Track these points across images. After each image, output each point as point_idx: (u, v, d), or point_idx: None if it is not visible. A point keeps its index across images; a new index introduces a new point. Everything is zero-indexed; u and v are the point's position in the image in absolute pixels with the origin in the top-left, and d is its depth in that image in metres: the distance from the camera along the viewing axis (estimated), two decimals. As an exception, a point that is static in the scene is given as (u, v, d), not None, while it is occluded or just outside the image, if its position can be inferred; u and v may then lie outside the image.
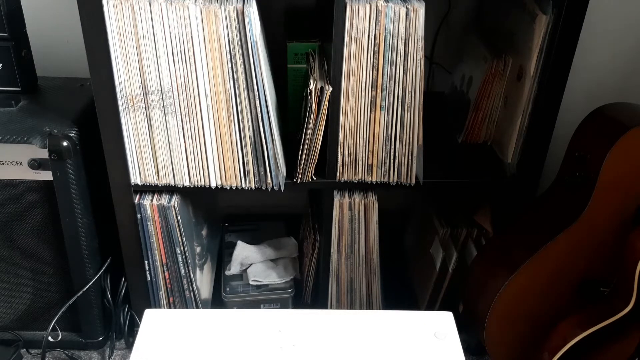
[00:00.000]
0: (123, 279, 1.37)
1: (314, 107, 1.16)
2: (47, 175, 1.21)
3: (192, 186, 1.23)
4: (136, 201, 1.24)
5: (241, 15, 1.06)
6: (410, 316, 0.95)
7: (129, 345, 1.44)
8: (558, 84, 1.18)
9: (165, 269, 1.32)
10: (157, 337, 0.90)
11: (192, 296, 1.36)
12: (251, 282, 1.46)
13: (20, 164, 1.21)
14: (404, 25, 1.10)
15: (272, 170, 1.21)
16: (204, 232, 1.51)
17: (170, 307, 1.37)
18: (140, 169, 1.21)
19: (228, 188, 1.23)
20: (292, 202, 1.70)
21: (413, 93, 1.16)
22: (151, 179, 1.22)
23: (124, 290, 1.38)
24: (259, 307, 1.47)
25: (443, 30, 1.52)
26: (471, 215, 1.43)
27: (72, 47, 1.48)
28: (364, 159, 1.23)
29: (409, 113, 1.18)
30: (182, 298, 1.36)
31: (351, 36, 1.10)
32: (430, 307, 1.49)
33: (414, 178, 1.25)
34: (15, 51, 1.26)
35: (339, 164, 1.23)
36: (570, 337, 1.18)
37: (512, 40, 1.29)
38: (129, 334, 1.43)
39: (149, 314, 0.94)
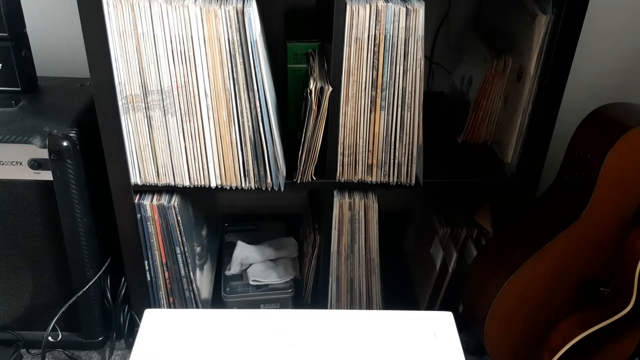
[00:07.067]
0: (123, 279, 1.37)
1: (314, 107, 1.16)
2: (47, 175, 1.21)
3: (192, 186, 1.23)
4: (136, 201, 1.24)
5: (241, 15, 1.06)
6: (410, 316, 0.95)
7: (129, 345, 1.44)
8: (558, 84, 1.18)
9: (165, 269, 1.32)
10: (157, 337, 0.90)
11: (192, 296, 1.36)
12: (251, 282, 1.46)
13: (20, 164, 1.21)
14: (404, 25, 1.10)
15: (272, 170, 1.21)
16: (204, 232, 1.51)
17: (170, 307, 1.37)
18: (140, 169, 1.21)
19: (228, 188, 1.23)
20: (292, 202, 1.70)
21: (413, 93, 1.16)
22: (151, 179, 1.22)
23: (124, 290, 1.38)
24: (259, 307, 1.47)
25: (443, 30, 1.52)
26: (471, 215, 1.43)
27: (72, 47, 1.48)
28: (364, 159, 1.23)
29: (409, 113, 1.18)
30: (182, 298, 1.36)
31: (351, 36, 1.10)
32: (430, 307, 1.49)
33: (414, 178, 1.25)
34: (15, 51, 1.26)
35: (338, 164, 1.23)
36: (570, 337, 1.18)
37: (512, 40, 1.29)
38: (129, 334, 1.43)
39: (149, 314, 0.94)
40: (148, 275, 1.32)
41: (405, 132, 1.20)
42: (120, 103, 1.13)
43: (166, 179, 1.22)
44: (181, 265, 1.31)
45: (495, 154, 1.37)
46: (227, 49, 1.09)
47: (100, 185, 1.24)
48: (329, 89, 1.14)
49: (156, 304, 1.36)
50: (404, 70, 1.14)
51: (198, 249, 1.41)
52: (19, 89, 1.30)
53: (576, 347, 1.18)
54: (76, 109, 1.28)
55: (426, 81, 1.56)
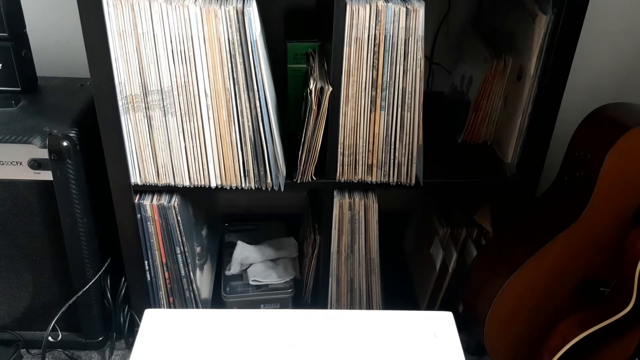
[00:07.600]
0: (123, 279, 1.37)
1: (314, 107, 1.16)
2: (47, 175, 1.21)
3: (192, 186, 1.23)
4: (136, 201, 1.24)
5: (241, 15, 1.06)
6: (410, 316, 0.95)
7: (129, 345, 1.44)
8: (558, 84, 1.18)
9: (165, 269, 1.32)
10: (157, 337, 0.90)
11: (192, 296, 1.36)
12: (251, 282, 1.46)
13: (20, 164, 1.21)
14: (404, 25, 1.10)
15: (272, 170, 1.21)
16: (204, 232, 1.51)
17: (170, 307, 1.37)
18: (140, 169, 1.21)
19: (228, 188, 1.23)
20: (292, 202, 1.70)
21: (413, 93, 1.16)
22: (151, 179, 1.22)
23: (124, 290, 1.38)
24: (259, 307, 1.47)
25: (443, 30, 1.52)
26: (471, 215, 1.43)
27: (72, 47, 1.48)
28: (364, 159, 1.23)
29: (409, 113, 1.18)
30: (182, 298, 1.36)
31: (351, 36, 1.10)
32: (430, 307, 1.49)
33: (414, 178, 1.25)
34: (15, 51, 1.26)
35: (338, 164, 1.23)
36: (570, 337, 1.18)
37: (512, 40, 1.29)
38: (129, 334, 1.43)
39: (149, 314, 0.94)
40: (148, 275, 1.32)
41: (405, 132, 1.20)
42: (120, 103, 1.13)
43: (166, 179, 1.22)
44: (181, 265, 1.31)
45: (495, 154, 1.37)
46: (227, 49, 1.09)
47: (100, 185, 1.24)
48: (329, 89, 1.14)
49: (156, 304, 1.36)
50: (404, 70, 1.14)
51: (198, 249, 1.41)
52: (19, 89, 1.30)
53: (576, 347, 1.18)
54: (76, 109, 1.28)
55: (426, 81, 1.56)
